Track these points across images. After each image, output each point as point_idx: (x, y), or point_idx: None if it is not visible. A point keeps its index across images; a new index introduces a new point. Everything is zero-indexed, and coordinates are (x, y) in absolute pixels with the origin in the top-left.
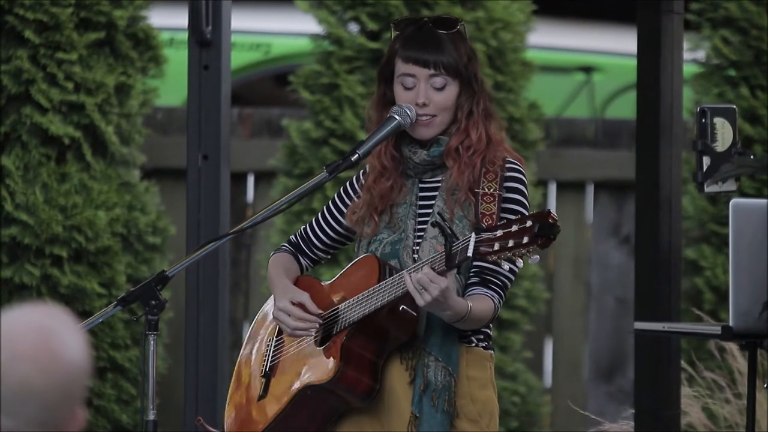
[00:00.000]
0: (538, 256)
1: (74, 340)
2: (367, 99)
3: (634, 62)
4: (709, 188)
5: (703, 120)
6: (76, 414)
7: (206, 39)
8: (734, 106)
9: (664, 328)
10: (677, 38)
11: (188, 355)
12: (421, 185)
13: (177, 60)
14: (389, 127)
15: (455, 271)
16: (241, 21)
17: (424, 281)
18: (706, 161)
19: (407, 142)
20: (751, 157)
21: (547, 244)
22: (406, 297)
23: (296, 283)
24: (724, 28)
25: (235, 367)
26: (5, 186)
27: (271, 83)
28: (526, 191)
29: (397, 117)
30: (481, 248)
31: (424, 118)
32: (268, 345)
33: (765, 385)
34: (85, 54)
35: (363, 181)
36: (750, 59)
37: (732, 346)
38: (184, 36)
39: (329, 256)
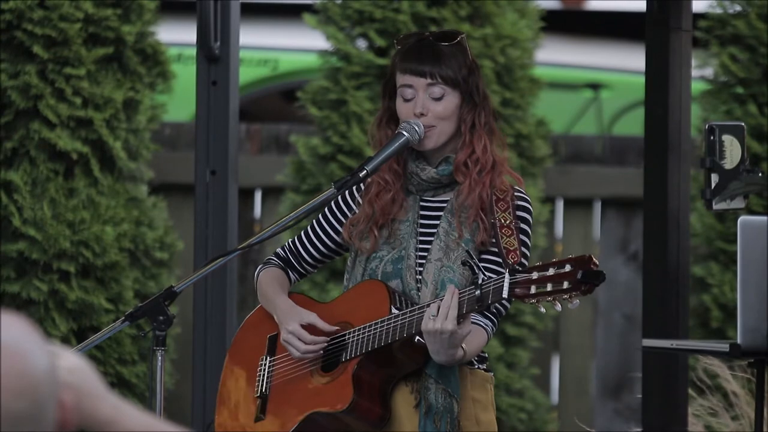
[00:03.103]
0: (578, 302)
1: (30, 342)
2: (375, 115)
3: (642, 79)
4: (717, 205)
5: (712, 137)
6: (62, 403)
7: (214, 55)
8: (743, 124)
9: (672, 346)
10: (685, 55)
11: (196, 371)
12: (422, 203)
13: (185, 75)
14: (398, 144)
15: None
16: (249, 37)
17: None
18: (714, 178)
19: (414, 157)
20: (760, 174)
21: (591, 291)
22: None
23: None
24: (732, 46)
25: (219, 387)
26: (13, 201)
27: (279, 99)
28: (531, 222)
29: (405, 133)
30: (516, 290)
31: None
32: (260, 365)
33: None
34: (93, 69)
35: (358, 196)
36: (758, 76)
37: (725, 371)
38: (193, 51)
39: (316, 270)
